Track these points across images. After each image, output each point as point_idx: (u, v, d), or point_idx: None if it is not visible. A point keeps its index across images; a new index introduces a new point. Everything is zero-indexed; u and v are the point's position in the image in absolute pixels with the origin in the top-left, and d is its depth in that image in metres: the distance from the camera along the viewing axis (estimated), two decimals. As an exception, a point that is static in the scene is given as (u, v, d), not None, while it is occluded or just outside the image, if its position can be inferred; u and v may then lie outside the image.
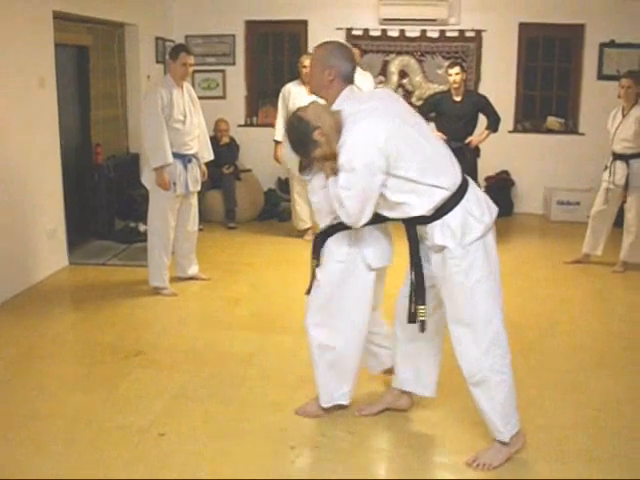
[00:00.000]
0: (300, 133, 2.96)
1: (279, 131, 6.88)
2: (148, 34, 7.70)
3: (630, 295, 5.67)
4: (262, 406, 3.55)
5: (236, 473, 2.94)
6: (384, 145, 2.80)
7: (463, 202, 2.91)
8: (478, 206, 2.94)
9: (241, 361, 4.11)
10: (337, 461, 3.07)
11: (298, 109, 3.07)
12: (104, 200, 6.85)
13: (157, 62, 7.96)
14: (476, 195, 2.98)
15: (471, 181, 3.02)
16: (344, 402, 3.41)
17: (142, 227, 6.87)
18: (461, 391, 3.25)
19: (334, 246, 3.23)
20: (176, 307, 5.12)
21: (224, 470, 2.97)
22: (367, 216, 2.91)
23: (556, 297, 5.57)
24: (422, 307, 3.01)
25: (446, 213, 2.89)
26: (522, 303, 5.34)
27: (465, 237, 2.89)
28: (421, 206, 2.89)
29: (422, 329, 3.04)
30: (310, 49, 8.26)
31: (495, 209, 3.02)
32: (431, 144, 2.95)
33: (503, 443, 3.03)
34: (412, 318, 3.04)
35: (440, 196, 2.87)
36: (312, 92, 3.23)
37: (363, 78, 7.35)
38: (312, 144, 2.93)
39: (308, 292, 3.40)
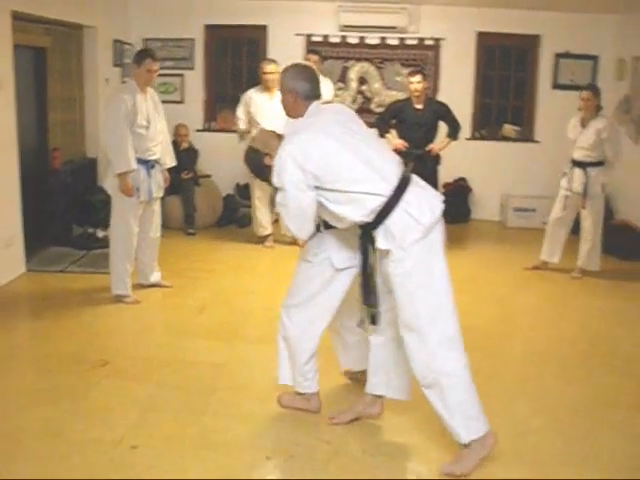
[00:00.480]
0: (254, 162, 3.37)
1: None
2: (106, 37, 7.58)
3: (589, 301, 5.79)
4: (234, 416, 3.51)
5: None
6: (303, 162, 2.94)
7: (402, 204, 2.95)
8: (418, 207, 2.96)
9: (210, 371, 4.05)
10: (314, 470, 3.06)
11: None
12: (62, 206, 6.70)
13: (115, 65, 7.84)
14: (416, 196, 2.99)
15: (414, 181, 3.05)
16: (300, 390, 3.52)
17: (100, 233, 6.77)
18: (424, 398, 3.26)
19: (308, 245, 3.36)
20: (140, 315, 5.03)
21: (201, 482, 2.93)
22: (307, 230, 3.11)
23: (517, 303, 5.67)
24: (373, 308, 3.16)
25: (386, 217, 2.95)
26: (484, 309, 5.41)
27: (405, 239, 2.93)
28: (358, 214, 2.99)
29: (359, 325, 3.28)
30: (269, 54, 8.27)
31: (439, 208, 3.02)
32: (370, 152, 3.05)
33: (465, 445, 3.05)
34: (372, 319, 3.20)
35: (375, 202, 2.95)
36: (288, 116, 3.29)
37: (323, 85, 7.35)
38: (266, 169, 3.20)
39: None
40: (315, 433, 3.36)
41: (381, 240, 2.98)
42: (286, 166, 2.96)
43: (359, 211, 2.98)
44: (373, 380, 3.41)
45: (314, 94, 3.21)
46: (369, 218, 2.97)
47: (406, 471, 3.15)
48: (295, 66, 3.31)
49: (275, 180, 3.03)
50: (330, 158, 2.98)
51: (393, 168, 3.05)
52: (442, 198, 3.10)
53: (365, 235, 3.08)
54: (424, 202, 2.99)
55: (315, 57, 7.24)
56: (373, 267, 3.11)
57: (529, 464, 3.16)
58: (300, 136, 3.03)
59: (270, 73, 6.70)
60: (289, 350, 3.48)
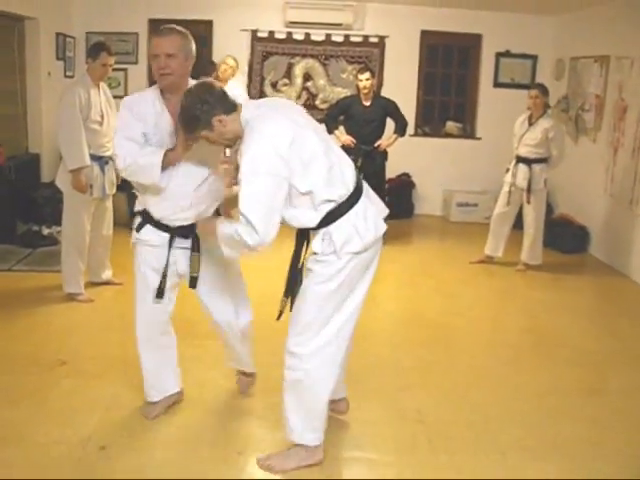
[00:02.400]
0: (203, 107, 2.81)
1: None
2: (49, 29, 7.41)
3: (534, 293, 5.99)
4: (202, 412, 3.52)
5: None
6: (287, 151, 2.72)
7: (350, 213, 2.87)
8: (364, 221, 2.89)
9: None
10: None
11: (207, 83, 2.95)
12: (5, 202, 6.53)
13: (58, 59, 7.68)
14: (365, 209, 2.92)
15: (366, 191, 2.98)
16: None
17: (46, 230, 6.63)
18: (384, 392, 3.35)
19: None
20: (94, 313, 4.96)
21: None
22: (273, 232, 2.73)
23: (465, 296, 5.82)
24: (285, 299, 3.03)
25: (330, 223, 2.85)
26: (433, 302, 5.55)
27: (343, 249, 2.85)
28: (310, 220, 2.86)
29: (278, 317, 3.04)
30: (215, 50, 8.24)
31: (382, 228, 2.98)
32: (329, 151, 2.88)
33: (298, 445, 3.08)
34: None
35: (328, 208, 2.84)
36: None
37: (235, 83, 7.31)
38: (206, 125, 2.84)
39: None
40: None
41: (317, 243, 2.88)
42: (265, 155, 2.69)
43: (313, 217, 2.85)
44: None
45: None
46: (314, 224, 2.87)
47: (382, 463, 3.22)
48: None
49: (246, 170, 2.70)
50: (307, 152, 2.79)
51: (351, 173, 2.94)
52: (386, 213, 3.06)
53: (302, 233, 3.01)
54: (370, 217, 2.92)
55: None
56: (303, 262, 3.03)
57: (489, 452, 3.27)
58: (277, 122, 2.78)
59: (228, 66, 6.78)
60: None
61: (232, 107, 2.86)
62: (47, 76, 7.37)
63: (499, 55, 8.73)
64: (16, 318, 4.73)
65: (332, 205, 2.84)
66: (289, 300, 3.04)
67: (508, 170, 6.49)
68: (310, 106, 8.67)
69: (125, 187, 7.35)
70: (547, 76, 8.43)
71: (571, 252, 7.27)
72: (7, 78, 6.91)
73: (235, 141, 2.91)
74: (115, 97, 8.05)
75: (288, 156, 2.72)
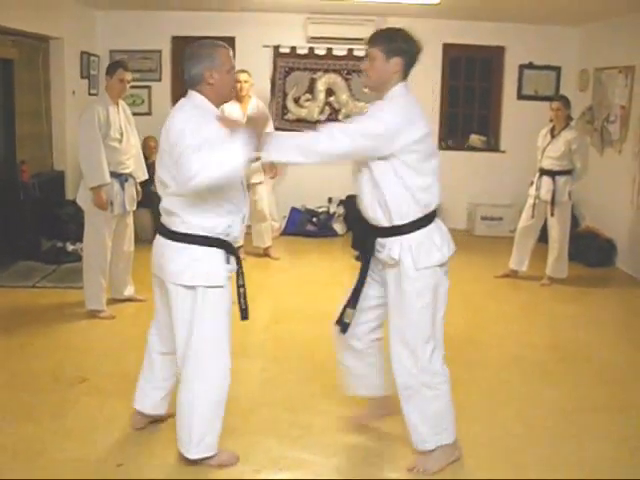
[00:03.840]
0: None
1: None
2: (73, 48, 7.52)
3: (559, 307, 5.90)
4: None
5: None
6: (419, 131, 2.91)
7: (431, 226, 3.00)
8: (440, 236, 3.04)
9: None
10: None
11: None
12: (30, 219, 6.61)
13: (82, 77, 7.77)
14: (440, 226, 3.08)
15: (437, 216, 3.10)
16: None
17: (70, 247, 6.69)
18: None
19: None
20: (115, 330, 4.97)
21: (189, 499, 2.91)
22: (343, 148, 2.86)
23: (491, 311, 5.74)
24: (350, 310, 3.11)
25: (411, 232, 2.96)
26: (458, 317, 5.42)
27: (421, 260, 2.95)
28: (412, 211, 2.95)
29: (344, 330, 3.15)
30: (238, 66, 8.18)
31: (454, 248, 3.10)
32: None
33: (430, 451, 3.15)
34: (339, 321, 3.17)
35: (425, 210, 2.96)
36: None
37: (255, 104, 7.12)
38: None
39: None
40: (301, 446, 3.37)
41: (396, 250, 2.97)
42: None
43: (416, 210, 2.95)
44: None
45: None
46: (408, 218, 2.95)
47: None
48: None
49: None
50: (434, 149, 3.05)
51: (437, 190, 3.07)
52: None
53: (370, 240, 3.07)
54: (445, 233, 3.09)
55: (245, 75, 6.85)
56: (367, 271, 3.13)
57: (512, 469, 3.20)
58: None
59: (244, 82, 6.68)
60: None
61: None
62: (72, 94, 7.47)
63: (522, 67, 8.66)
64: (38, 335, 4.76)
65: (426, 210, 2.97)
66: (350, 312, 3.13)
67: (532, 183, 6.42)
68: (333, 121, 8.61)
69: (149, 203, 7.46)
70: (571, 87, 8.34)
71: (597, 265, 7.16)
72: (32, 97, 7.00)
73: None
74: (138, 114, 8.20)
75: (419, 137, 2.89)
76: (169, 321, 3.12)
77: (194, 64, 2.96)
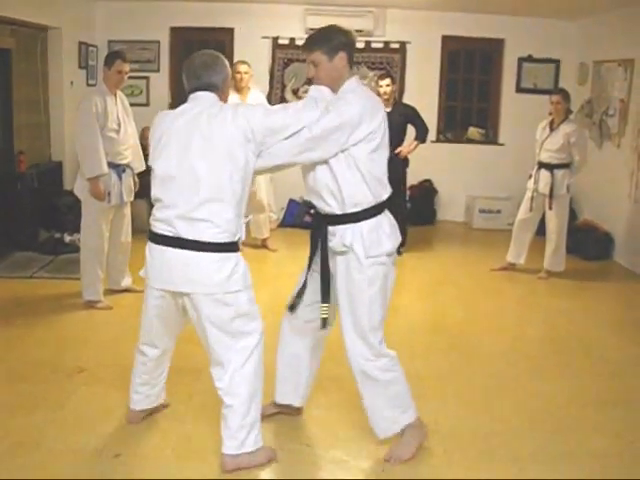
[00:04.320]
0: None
1: None
2: (71, 38, 7.49)
3: (556, 300, 5.91)
4: (215, 422, 3.45)
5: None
6: (373, 119, 2.93)
7: (381, 215, 3.04)
8: (390, 225, 3.08)
9: (187, 376, 4.00)
10: (301, 475, 3.08)
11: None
12: (28, 210, 6.61)
13: (80, 67, 7.76)
14: (390, 216, 3.12)
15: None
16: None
17: (67, 238, 6.68)
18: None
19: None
20: (113, 321, 4.97)
21: (187, 490, 2.92)
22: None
23: (487, 304, 5.75)
24: (325, 305, 3.12)
25: (363, 219, 2.99)
26: (455, 310, 5.49)
27: (372, 249, 2.99)
28: (365, 199, 2.97)
29: (324, 325, 3.17)
30: (236, 57, 8.23)
31: (399, 239, 3.14)
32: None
33: (400, 433, 3.20)
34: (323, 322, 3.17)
35: (377, 199, 3.00)
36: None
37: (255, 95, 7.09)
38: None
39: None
40: (297, 437, 3.38)
41: (348, 237, 2.98)
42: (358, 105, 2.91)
43: (368, 197, 2.97)
44: (282, 389, 3.46)
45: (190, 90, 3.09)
46: (365, 201, 2.97)
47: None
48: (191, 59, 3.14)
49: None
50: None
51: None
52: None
53: (320, 230, 3.08)
54: (394, 225, 3.11)
55: (246, 67, 6.82)
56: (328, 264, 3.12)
57: (506, 463, 3.21)
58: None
59: (244, 73, 6.65)
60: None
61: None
62: (70, 85, 7.45)
63: (521, 60, 8.66)
64: (35, 325, 4.76)
65: (376, 201, 3.00)
66: (325, 306, 3.13)
67: (531, 176, 6.42)
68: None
69: (145, 194, 7.44)
70: (570, 81, 8.34)
71: (595, 259, 7.17)
72: (30, 87, 6.98)
73: None
74: (137, 105, 8.18)
75: (376, 127, 2.93)
76: (174, 328, 3.24)
77: (216, 73, 3.05)
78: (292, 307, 3.26)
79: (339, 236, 3.01)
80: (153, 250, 3.01)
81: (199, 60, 3.07)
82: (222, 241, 2.89)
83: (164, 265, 2.97)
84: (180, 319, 3.20)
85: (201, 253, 2.88)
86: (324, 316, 3.14)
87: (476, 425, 3.56)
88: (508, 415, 3.70)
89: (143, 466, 3.07)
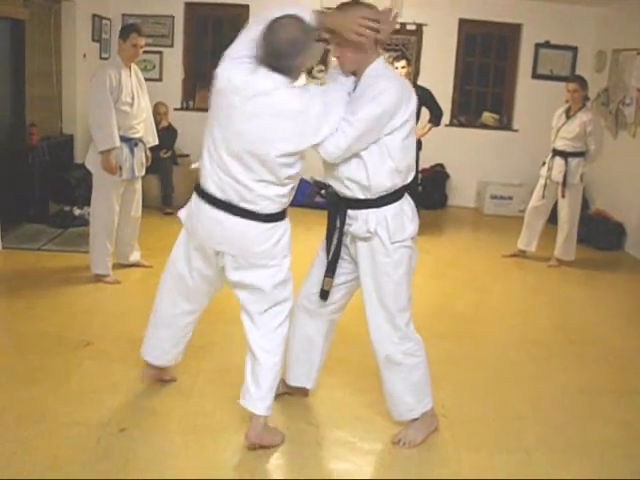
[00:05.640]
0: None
1: None
2: (85, 11, 7.43)
3: (566, 289, 5.87)
4: (221, 399, 3.48)
5: (206, 468, 2.88)
6: (406, 106, 2.84)
7: (403, 199, 3.00)
8: (411, 209, 3.05)
9: (193, 352, 3.96)
10: (304, 456, 3.06)
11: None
12: (38, 183, 6.58)
13: (93, 40, 7.70)
14: (409, 199, 3.07)
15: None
16: None
17: (77, 211, 6.67)
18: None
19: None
20: (120, 295, 4.96)
21: (191, 464, 2.91)
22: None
23: (498, 290, 5.72)
24: (329, 279, 3.09)
25: (386, 204, 2.94)
26: (465, 295, 5.47)
27: (397, 234, 2.96)
28: (394, 186, 2.91)
29: (324, 297, 3.14)
30: (251, 35, 8.15)
31: (418, 220, 3.11)
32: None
33: (412, 421, 3.19)
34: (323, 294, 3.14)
35: (401, 184, 2.94)
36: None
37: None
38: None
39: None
40: (303, 417, 3.36)
41: (372, 222, 2.93)
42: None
43: (396, 180, 2.91)
44: (296, 372, 3.44)
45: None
46: (381, 193, 2.91)
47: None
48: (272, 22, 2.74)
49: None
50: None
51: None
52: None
53: (339, 213, 3.02)
54: (414, 208, 3.08)
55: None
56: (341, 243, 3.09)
57: (514, 451, 3.19)
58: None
59: None
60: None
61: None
62: (82, 58, 7.41)
63: (539, 46, 8.55)
64: (42, 298, 4.75)
65: (399, 183, 2.94)
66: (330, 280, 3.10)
67: (544, 163, 6.35)
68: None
69: (157, 170, 7.43)
70: (587, 68, 8.24)
71: (606, 249, 7.12)
72: (43, 59, 6.92)
73: None
74: (150, 80, 8.12)
75: (410, 111, 2.86)
76: (207, 289, 3.23)
77: (300, 54, 2.75)
78: (324, 294, 3.17)
79: (362, 221, 2.96)
80: (202, 210, 2.92)
81: (290, 34, 2.70)
82: (274, 212, 2.88)
83: (213, 225, 2.91)
84: (219, 279, 3.16)
85: (253, 222, 2.86)
86: (326, 288, 3.11)
87: (485, 411, 3.54)
88: (517, 402, 3.68)
89: (148, 441, 3.06)
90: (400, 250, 2.98)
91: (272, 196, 2.83)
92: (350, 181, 2.94)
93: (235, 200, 2.83)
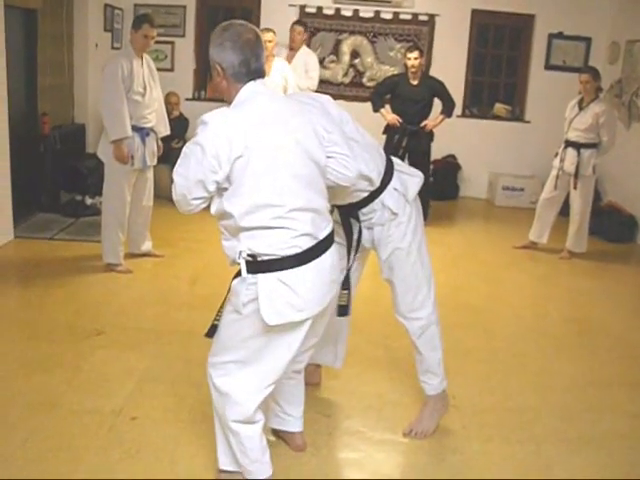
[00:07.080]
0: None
1: None
2: (97, 1, 7.44)
3: (577, 281, 5.84)
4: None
5: (216, 458, 2.89)
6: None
7: (394, 167, 3.02)
8: (407, 169, 3.10)
9: (204, 342, 3.98)
10: (316, 445, 3.06)
11: None
12: (50, 172, 6.61)
13: (105, 30, 7.71)
14: (400, 163, 3.13)
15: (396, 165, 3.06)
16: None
17: (89, 200, 6.70)
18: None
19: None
20: (132, 285, 4.98)
21: (202, 453, 2.92)
22: None
23: (509, 281, 5.71)
24: (345, 292, 2.91)
25: (388, 182, 2.94)
26: (476, 286, 5.45)
27: (408, 192, 2.97)
28: (382, 162, 2.94)
29: (340, 313, 2.94)
30: (262, 25, 8.13)
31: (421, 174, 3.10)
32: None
33: (432, 400, 3.21)
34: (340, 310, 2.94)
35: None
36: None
37: (308, 57, 7.25)
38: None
39: None
40: (314, 407, 3.36)
41: (390, 201, 2.91)
42: None
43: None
44: (322, 350, 3.35)
45: (251, 72, 2.40)
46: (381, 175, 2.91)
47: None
48: (225, 27, 2.42)
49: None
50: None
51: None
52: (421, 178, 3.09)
53: (353, 214, 2.97)
54: (409, 166, 3.17)
55: (300, 28, 7.12)
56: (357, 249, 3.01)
57: (524, 442, 3.19)
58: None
59: (268, 42, 6.59)
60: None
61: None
62: (94, 47, 7.41)
63: (552, 36, 8.49)
64: (55, 287, 4.78)
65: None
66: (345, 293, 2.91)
67: (557, 154, 6.32)
68: (357, 84, 8.63)
69: (169, 160, 7.43)
70: (601, 59, 8.17)
71: (617, 241, 7.07)
72: (55, 48, 6.93)
73: None
74: (162, 70, 8.12)
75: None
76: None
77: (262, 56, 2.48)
78: (343, 310, 2.95)
79: (380, 210, 2.94)
80: (306, 273, 2.39)
81: (253, 37, 2.43)
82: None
83: (319, 279, 2.43)
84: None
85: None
86: (342, 303, 2.90)
87: (495, 402, 3.54)
88: (527, 393, 3.68)
89: (159, 429, 3.08)
90: (414, 211, 3.01)
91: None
92: (360, 192, 2.90)
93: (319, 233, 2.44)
